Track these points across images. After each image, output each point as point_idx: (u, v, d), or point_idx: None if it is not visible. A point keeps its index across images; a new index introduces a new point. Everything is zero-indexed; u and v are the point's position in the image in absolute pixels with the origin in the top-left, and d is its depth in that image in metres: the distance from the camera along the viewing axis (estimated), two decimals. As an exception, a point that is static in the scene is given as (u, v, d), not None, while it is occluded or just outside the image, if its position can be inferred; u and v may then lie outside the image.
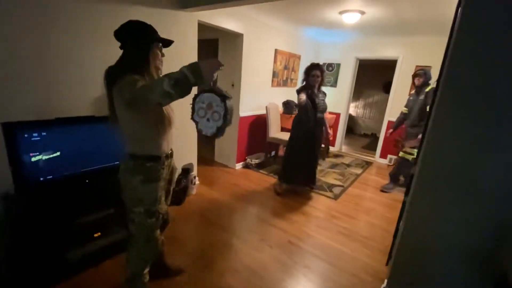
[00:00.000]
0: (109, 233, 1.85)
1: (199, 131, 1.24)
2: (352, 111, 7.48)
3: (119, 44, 1.21)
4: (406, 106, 3.29)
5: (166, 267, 1.71)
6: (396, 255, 1.67)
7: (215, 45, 3.68)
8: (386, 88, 5.90)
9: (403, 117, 3.34)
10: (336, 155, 4.94)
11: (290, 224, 2.47)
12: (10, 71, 1.56)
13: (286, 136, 3.79)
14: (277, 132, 3.99)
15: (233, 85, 3.57)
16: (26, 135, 1.49)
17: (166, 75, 0.98)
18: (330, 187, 3.43)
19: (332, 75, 5.03)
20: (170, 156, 1.38)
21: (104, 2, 1.93)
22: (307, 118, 2.80)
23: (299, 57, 4.51)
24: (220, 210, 2.66)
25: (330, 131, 3.39)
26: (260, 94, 3.89)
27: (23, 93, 1.62)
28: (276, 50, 3.95)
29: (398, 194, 3.29)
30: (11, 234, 1.52)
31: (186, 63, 1.05)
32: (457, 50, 1.18)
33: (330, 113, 4.90)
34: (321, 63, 5.04)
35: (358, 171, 4.17)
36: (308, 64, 2.90)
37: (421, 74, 3.05)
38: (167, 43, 1.29)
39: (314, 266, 1.94)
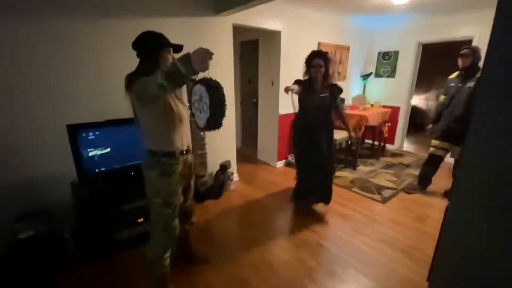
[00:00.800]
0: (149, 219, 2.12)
1: (195, 123, 1.28)
2: (421, 104, 6.53)
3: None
4: (445, 94, 2.72)
5: (192, 255, 1.85)
6: (434, 269, 1.41)
7: (256, 46, 3.76)
8: (464, 74, 4.95)
9: (441, 108, 2.75)
10: (395, 154, 4.40)
11: (323, 226, 2.34)
12: (72, 83, 1.96)
13: (330, 133, 3.59)
14: (320, 129, 3.80)
15: (272, 83, 3.58)
16: (84, 134, 1.85)
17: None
18: (380, 189, 3.09)
19: (389, 64, 4.50)
20: (186, 152, 1.50)
21: (146, 16, 2.22)
22: (301, 117, 2.38)
23: (347, 48, 4.20)
24: (254, 206, 2.71)
25: (353, 134, 2.76)
26: (302, 90, 3.77)
27: (82, 100, 2.02)
28: (319, 43, 3.77)
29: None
30: (76, 215, 1.91)
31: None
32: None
33: (385, 107, 4.40)
34: (376, 52, 4.65)
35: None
36: (310, 52, 2.37)
37: (468, 53, 2.42)
38: (177, 47, 1.39)
39: (340, 272, 1.79)
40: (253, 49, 3.87)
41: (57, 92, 1.92)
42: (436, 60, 5.41)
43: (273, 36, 3.37)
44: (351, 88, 4.68)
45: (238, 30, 3.12)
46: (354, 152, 3.79)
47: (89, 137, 1.87)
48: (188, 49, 2.87)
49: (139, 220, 2.07)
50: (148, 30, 1.36)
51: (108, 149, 1.97)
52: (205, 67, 1.01)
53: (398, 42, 4.31)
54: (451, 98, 2.60)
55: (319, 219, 2.46)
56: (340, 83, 4.34)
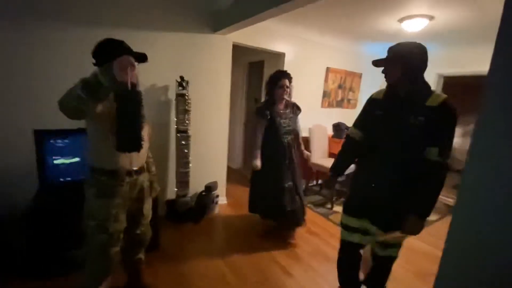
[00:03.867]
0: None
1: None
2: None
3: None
4: (361, 127, 1.51)
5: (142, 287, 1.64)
6: None
7: (262, 66, 3.69)
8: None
9: (353, 151, 1.58)
10: (407, 193, 3.96)
11: (303, 271, 2.04)
12: (45, 83, 1.91)
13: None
14: (322, 157, 3.54)
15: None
16: (52, 141, 1.78)
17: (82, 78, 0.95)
18: (381, 232, 2.72)
19: (406, 95, 4.21)
20: (136, 173, 1.34)
21: (139, 30, 2.21)
22: (269, 143, 2.23)
23: (359, 75, 4.00)
24: (232, 236, 2.47)
25: (308, 153, 2.50)
26: (306, 115, 3.57)
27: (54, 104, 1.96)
28: (327, 68, 3.61)
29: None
30: (29, 225, 1.80)
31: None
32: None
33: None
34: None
35: (432, 217, 3.18)
36: (273, 72, 2.32)
37: (394, 58, 1.27)
38: (140, 56, 1.26)
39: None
40: (259, 70, 3.80)
41: (28, 95, 1.88)
42: (464, 94, 5.02)
43: (278, 58, 3.28)
44: (362, 117, 4.41)
45: (247, 50, 3.07)
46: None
47: (57, 145, 1.80)
48: (185, 66, 2.76)
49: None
50: (107, 37, 1.26)
51: (77, 159, 1.89)
52: (125, 76, 0.88)
53: (416, 73, 4.03)
54: (378, 137, 1.37)
55: (305, 260, 2.16)
56: (350, 111, 4.14)
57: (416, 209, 1.25)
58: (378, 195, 1.34)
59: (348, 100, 4.04)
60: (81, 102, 0.95)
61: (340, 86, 3.82)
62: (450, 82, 3.98)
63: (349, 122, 3.79)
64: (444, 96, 1.22)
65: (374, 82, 4.30)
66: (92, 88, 0.92)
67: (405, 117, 1.25)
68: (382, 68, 1.33)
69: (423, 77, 1.27)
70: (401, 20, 2.57)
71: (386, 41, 3.35)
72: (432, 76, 3.84)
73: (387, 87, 1.37)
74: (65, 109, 1.01)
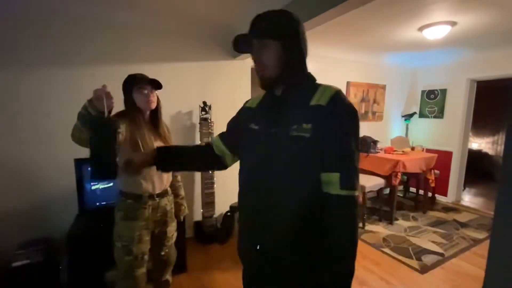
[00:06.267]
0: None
1: None
2: (488, 149, 5.53)
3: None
4: (227, 142, 1.12)
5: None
6: None
7: (281, 86, 3.77)
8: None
9: (204, 154, 1.24)
10: (448, 208, 3.64)
11: (334, 294, 1.92)
12: None
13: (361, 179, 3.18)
14: (349, 173, 3.41)
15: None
16: (89, 168, 1.95)
17: None
18: (420, 253, 2.50)
19: (436, 103, 3.99)
20: (158, 196, 1.40)
21: (170, 62, 2.41)
22: None
23: (383, 87, 3.89)
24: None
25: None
26: (329, 131, 3.54)
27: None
28: (348, 83, 3.58)
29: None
30: (69, 247, 1.93)
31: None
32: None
33: (429, 151, 3.79)
34: (419, 90, 4.22)
35: (480, 235, 2.87)
36: None
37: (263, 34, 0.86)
38: (155, 83, 1.34)
39: None
40: (279, 89, 3.88)
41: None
42: (503, 98, 4.64)
43: (297, 76, 3.33)
44: (390, 130, 4.23)
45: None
46: (391, 202, 3.24)
47: (94, 171, 1.97)
48: (207, 91, 2.92)
49: (132, 260, 2.00)
50: (129, 74, 1.38)
51: (111, 184, 2.03)
52: (101, 104, 0.86)
53: (445, 80, 3.83)
54: (250, 164, 0.91)
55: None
56: (376, 124, 4.01)
57: (330, 278, 0.75)
58: (269, 262, 0.83)
59: (373, 113, 3.92)
60: (79, 131, 0.98)
61: (363, 99, 3.75)
62: (484, 87, 3.73)
63: (375, 135, 3.68)
64: (336, 88, 0.80)
65: (399, 94, 4.16)
66: (84, 118, 0.94)
67: (284, 128, 0.79)
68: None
69: (306, 65, 0.88)
70: (421, 28, 2.52)
71: (409, 50, 3.28)
72: (462, 82, 3.64)
73: (262, 87, 0.87)
74: (74, 140, 1.06)
